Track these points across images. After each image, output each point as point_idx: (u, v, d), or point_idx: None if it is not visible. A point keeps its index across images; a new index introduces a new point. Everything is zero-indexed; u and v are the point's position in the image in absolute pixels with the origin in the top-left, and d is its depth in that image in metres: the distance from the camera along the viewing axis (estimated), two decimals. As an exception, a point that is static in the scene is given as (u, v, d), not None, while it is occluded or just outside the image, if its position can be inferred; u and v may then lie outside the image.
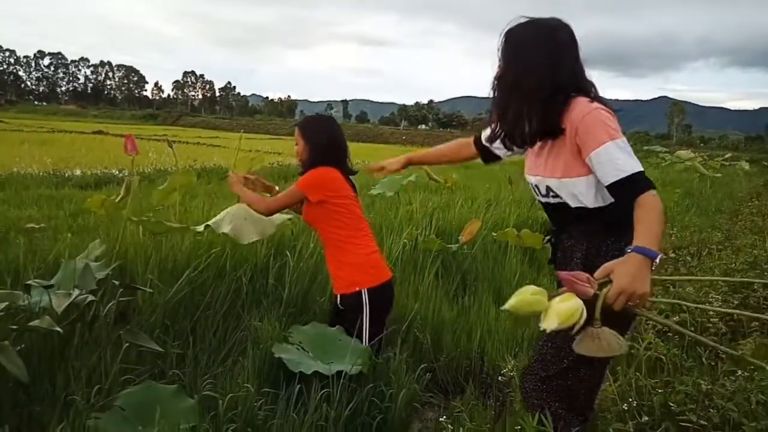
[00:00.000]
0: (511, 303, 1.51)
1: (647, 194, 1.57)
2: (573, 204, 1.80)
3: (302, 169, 2.69)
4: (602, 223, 1.76)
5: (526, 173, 1.93)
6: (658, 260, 1.49)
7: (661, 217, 1.56)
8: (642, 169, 1.60)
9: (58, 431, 1.90)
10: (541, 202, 1.94)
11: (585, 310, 1.46)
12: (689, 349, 2.86)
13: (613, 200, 1.69)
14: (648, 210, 1.56)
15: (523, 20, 1.75)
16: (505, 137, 1.87)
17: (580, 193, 1.75)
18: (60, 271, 2.66)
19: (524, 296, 1.50)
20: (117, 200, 3.42)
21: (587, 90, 1.73)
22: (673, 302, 3.04)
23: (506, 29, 1.76)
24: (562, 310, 1.46)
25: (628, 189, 1.60)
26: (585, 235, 1.81)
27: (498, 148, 2.08)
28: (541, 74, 1.70)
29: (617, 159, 1.60)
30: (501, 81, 1.79)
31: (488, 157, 2.16)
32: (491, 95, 1.83)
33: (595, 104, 1.66)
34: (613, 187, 1.62)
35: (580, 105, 1.67)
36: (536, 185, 1.89)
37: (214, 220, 3.05)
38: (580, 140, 1.66)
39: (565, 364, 1.83)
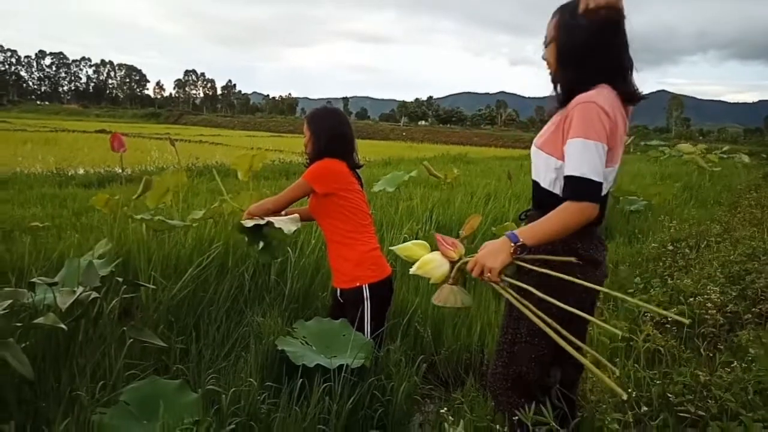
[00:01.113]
0: (397, 246, 1.94)
1: (580, 203, 1.61)
2: (533, 176, 1.85)
3: (308, 161, 2.69)
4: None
5: None
6: (515, 245, 1.64)
7: (562, 226, 1.62)
8: (595, 180, 1.61)
9: (64, 427, 1.92)
10: None
11: (451, 268, 1.78)
12: (687, 340, 2.88)
13: None
14: (560, 214, 1.63)
15: None
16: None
17: (543, 167, 1.79)
18: (64, 268, 2.69)
19: (407, 244, 1.91)
20: (134, 197, 3.48)
21: (625, 68, 1.74)
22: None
23: (558, 7, 1.78)
24: (423, 260, 1.80)
25: (569, 187, 1.64)
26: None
27: None
28: (587, 46, 1.70)
29: (580, 157, 1.62)
30: (553, 56, 1.80)
31: None
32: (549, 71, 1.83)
33: (600, 98, 1.66)
34: (565, 180, 1.67)
35: (593, 90, 1.67)
36: None
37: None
38: (566, 125, 1.68)
39: (518, 362, 1.88)
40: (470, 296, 1.84)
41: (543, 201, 1.80)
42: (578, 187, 1.62)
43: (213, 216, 3.51)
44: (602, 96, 1.66)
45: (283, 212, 2.79)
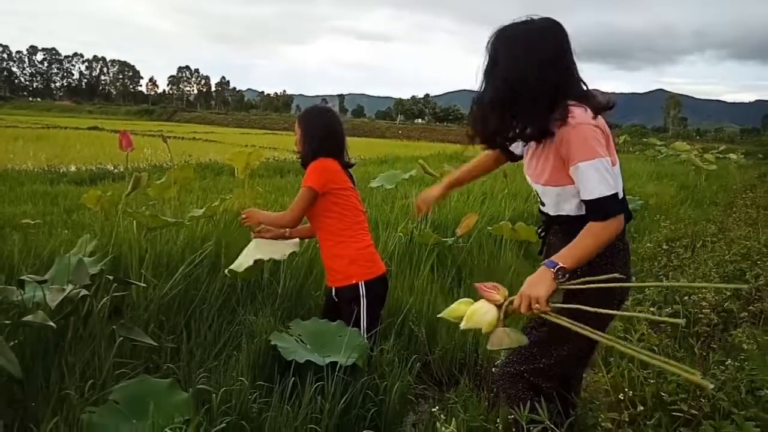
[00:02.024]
0: (444, 312, 1.87)
1: (604, 222, 1.65)
2: (553, 212, 1.86)
3: (300, 159, 2.69)
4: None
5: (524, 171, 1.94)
6: (555, 269, 1.65)
7: (594, 245, 1.67)
8: (610, 193, 1.64)
9: (52, 426, 1.89)
10: None
11: (499, 312, 1.74)
12: (682, 339, 2.88)
13: None
14: (588, 235, 1.67)
15: (514, 22, 1.73)
16: (495, 135, 1.82)
17: (562, 199, 1.80)
18: (54, 266, 2.66)
19: (452, 306, 1.85)
20: (125, 194, 3.48)
21: (578, 90, 1.72)
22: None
23: (497, 31, 1.74)
24: (468, 312, 1.77)
25: (591, 211, 1.68)
26: (566, 240, 1.81)
27: (515, 147, 2.02)
28: (533, 75, 1.66)
29: (589, 180, 1.65)
30: (492, 83, 1.75)
31: (513, 157, 2.10)
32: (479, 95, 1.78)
33: (585, 118, 1.66)
34: (585, 205, 1.71)
35: (572, 115, 1.66)
36: (531, 184, 1.93)
37: (237, 263, 2.75)
38: (564, 152, 1.69)
39: (541, 364, 1.91)
40: (522, 333, 1.81)
41: (574, 227, 1.76)
42: (599, 208, 1.66)
43: (213, 215, 3.49)
44: (582, 112, 1.67)
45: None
